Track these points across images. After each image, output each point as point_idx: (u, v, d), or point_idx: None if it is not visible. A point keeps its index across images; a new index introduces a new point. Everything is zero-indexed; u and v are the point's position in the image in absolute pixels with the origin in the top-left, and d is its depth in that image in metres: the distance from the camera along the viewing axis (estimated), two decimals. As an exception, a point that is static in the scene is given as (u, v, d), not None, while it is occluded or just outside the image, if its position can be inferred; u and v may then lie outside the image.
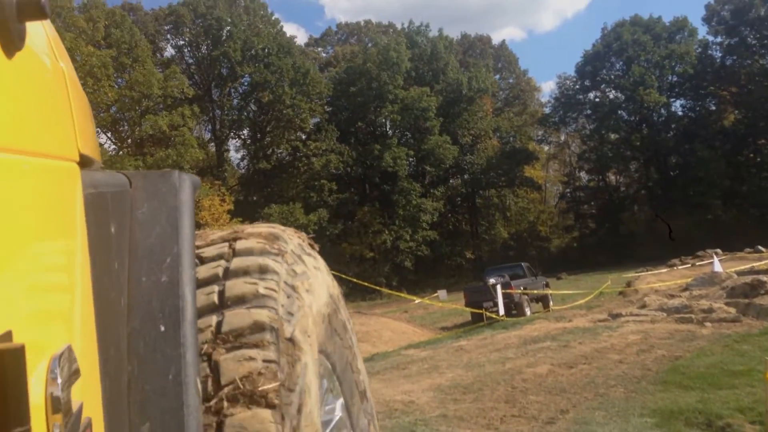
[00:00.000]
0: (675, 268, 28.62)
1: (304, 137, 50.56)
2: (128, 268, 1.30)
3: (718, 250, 29.36)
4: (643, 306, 14.27)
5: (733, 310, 11.56)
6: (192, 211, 1.47)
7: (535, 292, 20.70)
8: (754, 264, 20.70)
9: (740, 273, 15.38)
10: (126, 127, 43.56)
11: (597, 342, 10.51)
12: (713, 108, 56.88)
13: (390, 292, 32.23)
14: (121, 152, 41.75)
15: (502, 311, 16.86)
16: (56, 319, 0.86)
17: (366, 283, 29.65)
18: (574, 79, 60.98)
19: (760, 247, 31.98)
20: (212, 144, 51.78)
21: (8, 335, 0.64)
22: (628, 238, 52.26)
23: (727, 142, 52.62)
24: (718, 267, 17.34)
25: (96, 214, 1.12)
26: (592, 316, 14.78)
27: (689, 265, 28.36)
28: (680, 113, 58.12)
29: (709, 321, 11.13)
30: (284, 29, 51.98)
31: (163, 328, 1.26)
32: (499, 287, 17.43)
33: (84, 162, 1.15)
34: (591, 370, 8.49)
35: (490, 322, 16.54)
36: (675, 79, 56.90)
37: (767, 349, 8.54)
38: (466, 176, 57.57)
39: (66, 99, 1.13)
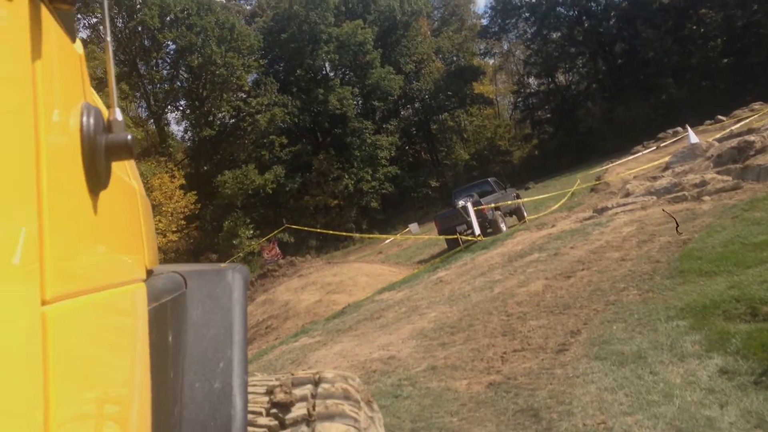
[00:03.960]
0: (640, 153, 27.83)
1: (244, 96, 48.35)
2: (183, 375, 1.31)
3: (679, 128, 28.51)
4: (628, 194, 13.11)
5: (728, 178, 10.35)
6: (245, 310, 1.49)
7: (509, 202, 19.61)
8: (732, 128, 19.59)
9: (721, 139, 14.19)
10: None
11: (589, 242, 9.32)
12: (651, -15, 55.52)
13: (361, 235, 31.14)
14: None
15: (477, 231, 15.69)
16: None
17: (335, 232, 28.54)
18: (508, -17, 58.95)
19: (720, 117, 31.33)
20: (151, 121, 49.32)
21: None
22: (587, 135, 51.56)
23: (669, 18, 51.32)
24: (694, 138, 16.06)
25: (157, 326, 1.14)
26: (575, 217, 13.54)
27: (654, 149, 27.58)
28: (618, -2, 56.66)
29: (706, 194, 9.94)
30: (199, -14, 49.08)
31: None
32: (470, 206, 16.22)
33: (149, 274, 1.18)
34: (592, 275, 7.30)
35: (467, 245, 15.39)
36: (608, -39, 55.37)
37: (784, 211, 7.47)
38: (416, 104, 56.37)
39: (138, 220, 1.17)
